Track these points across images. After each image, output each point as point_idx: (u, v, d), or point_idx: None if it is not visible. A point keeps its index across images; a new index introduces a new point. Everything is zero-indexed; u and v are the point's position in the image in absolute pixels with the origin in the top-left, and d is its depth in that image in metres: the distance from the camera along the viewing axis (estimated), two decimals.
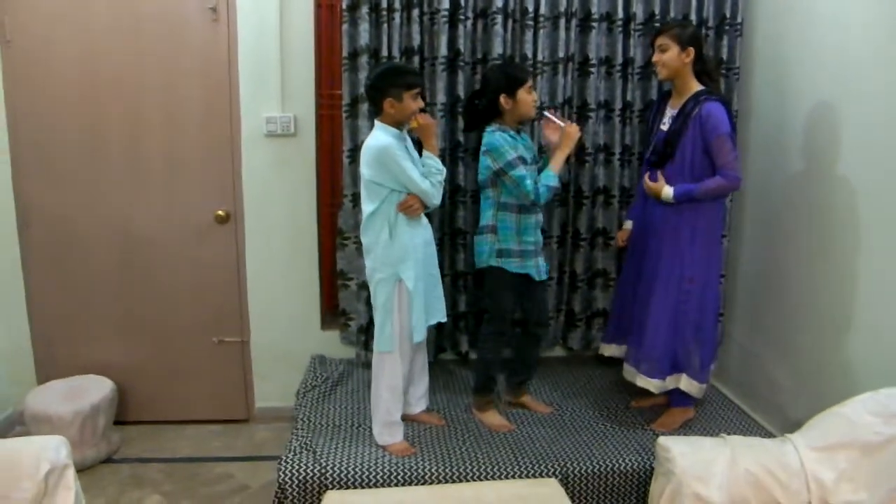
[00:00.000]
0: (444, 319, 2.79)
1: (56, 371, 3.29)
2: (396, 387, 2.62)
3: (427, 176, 2.54)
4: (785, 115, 2.93)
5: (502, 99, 2.66)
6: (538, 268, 2.82)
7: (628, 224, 3.00)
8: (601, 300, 3.37)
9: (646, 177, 2.79)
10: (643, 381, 2.82)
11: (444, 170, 2.62)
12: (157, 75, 3.13)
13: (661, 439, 2.33)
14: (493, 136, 2.67)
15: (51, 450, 2.09)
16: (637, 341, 2.86)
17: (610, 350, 3.08)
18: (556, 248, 3.30)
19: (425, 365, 2.87)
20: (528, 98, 2.68)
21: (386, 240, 2.53)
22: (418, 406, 2.87)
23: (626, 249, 3.06)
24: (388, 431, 2.66)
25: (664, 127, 2.76)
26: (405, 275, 2.54)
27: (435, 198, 2.56)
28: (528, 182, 2.63)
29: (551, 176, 2.68)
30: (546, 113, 2.79)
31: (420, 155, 2.61)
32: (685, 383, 2.83)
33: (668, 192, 2.69)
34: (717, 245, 2.81)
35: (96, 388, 3.15)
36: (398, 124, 2.53)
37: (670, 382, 2.83)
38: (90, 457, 3.03)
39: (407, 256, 2.55)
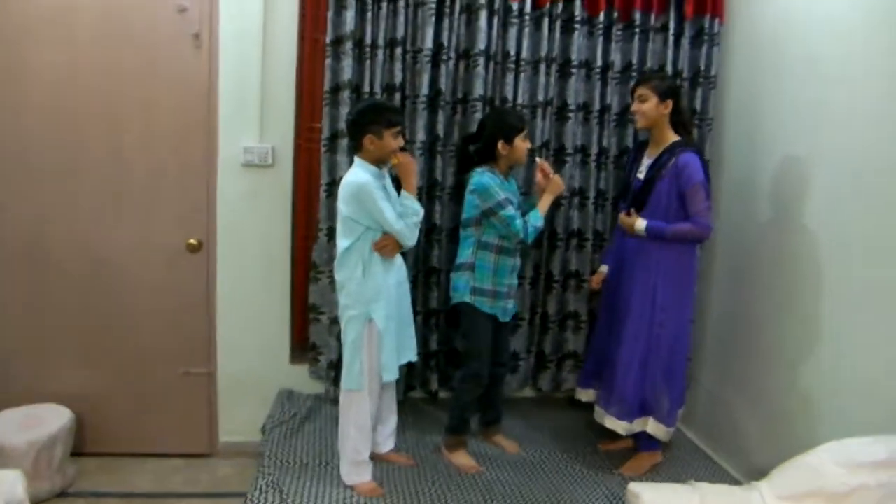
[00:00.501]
0: (414, 359, 2.78)
1: (11, 399, 3.15)
2: (364, 426, 2.59)
3: (403, 216, 2.52)
4: (756, 165, 3.02)
5: (500, 145, 2.72)
6: (505, 310, 2.88)
7: (603, 268, 3.04)
8: (572, 342, 3.39)
9: (622, 213, 2.86)
10: (611, 423, 2.85)
11: (422, 210, 2.60)
12: (137, 100, 3.09)
13: (632, 486, 2.33)
14: (483, 176, 2.72)
15: (6, 484, 2.03)
16: (608, 383, 2.88)
17: (586, 395, 3.09)
18: (528, 289, 3.32)
19: (394, 404, 2.85)
20: (522, 145, 2.76)
21: (359, 277, 2.52)
22: (386, 445, 2.84)
23: (599, 293, 3.10)
24: (355, 471, 2.61)
25: (641, 175, 2.82)
26: (376, 314, 2.53)
27: (409, 239, 2.54)
28: (518, 222, 2.69)
29: (539, 217, 2.75)
30: (538, 159, 2.92)
31: (399, 194, 2.62)
32: (652, 426, 2.85)
33: (640, 224, 2.75)
34: (689, 289, 2.85)
35: (54, 418, 3.04)
36: (377, 161, 2.54)
37: (637, 425, 2.85)
38: (44, 490, 2.92)
39: (379, 296, 2.53)
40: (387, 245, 2.52)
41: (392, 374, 2.60)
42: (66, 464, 3.07)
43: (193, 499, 3.04)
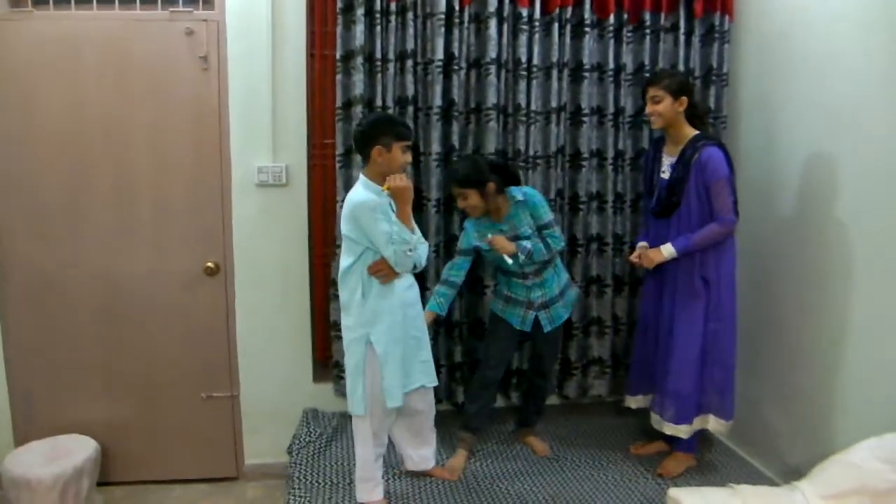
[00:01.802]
0: (429, 384, 2.61)
1: (36, 431, 3.14)
2: (369, 445, 2.53)
3: (394, 243, 2.37)
4: (773, 161, 3.00)
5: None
6: (524, 319, 2.86)
7: (641, 243, 2.89)
8: (597, 348, 3.35)
9: (634, 257, 2.84)
10: (671, 430, 2.81)
11: (413, 239, 2.42)
12: (146, 124, 3.07)
13: (672, 491, 2.31)
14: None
15: None
16: (664, 389, 2.84)
17: (636, 402, 3.05)
18: None
19: (428, 426, 2.75)
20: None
21: (359, 299, 2.44)
22: (431, 461, 2.80)
23: (637, 299, 3.09)
24: (363, 488, 2.57)
25: (665, 175, 2.78)
26: (374, 338, 2.44)
27: (399, 266, 2.40)
28: (448, 264, 2.92)
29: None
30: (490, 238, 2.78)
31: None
32: (713, 423, 2.82)
33: (669, 249, 2.72)
34: (734, 279, 2.78)
35: (79, 449, 3.02)
36: (383, 177, 2.43)
37: (698, 423, 2.82)
38: None
39: (378, 319, 2.44)
40: (382, 269, 2.42)
41: (395, 401, 2.48)
42: (94, 494, 3.04)
43: None
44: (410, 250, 2.40)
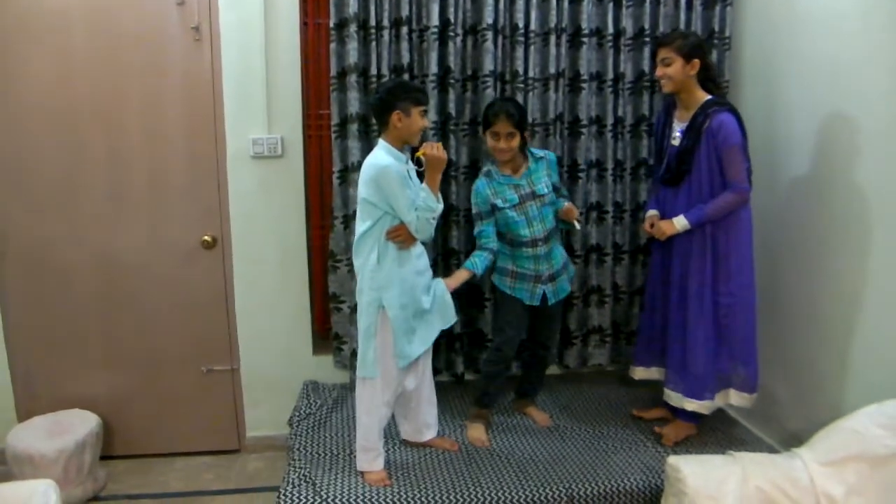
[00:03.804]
0: (444, 326, 2.67)
1: (38, 406, 3.15)
2: (376, 413, 2.54)
3: (418, 209, 2.41)
4: (776, 126, 2.95)
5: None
6: (532, 293, 2.81)
7: (651, 212, 2.85)
8: (596, 317, 3.34)
9: (647, 226, 2.79)
10: (692, 405, 2.76)
11: (439, 208, 2.46)
12: (139, 97, 3.04)
13: (671, 459, 2.30)
14: (476, 181, 2.80)
15: (39, 495, 2.01)
16: (679, 364, 2.79)
17: (641, 374, 3.02)
18: None
19: (430, 394, 2.77)
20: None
21: (374, 263, 2.45)
22: (427, 434, 2.81)
23: (643, 268, 3.03)
24: (364, 457, 2.58)
25: (675, 142, 2.71)
26: (388, 302, 2.46)
27: (421, 233, 2.43)
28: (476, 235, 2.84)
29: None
30: (567, 205, 2.80)
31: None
32: (735, 397, 2.78)
33: (682, 221, 2.65)
34: (749, 251, 2.70)
35: (81, 424, 3.03)
36: (402, 142, 2.46)
37: (720, 399, 2.78)
38: (76, 496, 2.91)
39: (392, 283, 2.45)
40: (400, 234, 2.43)
41: (405, 360, 2.52)
42: (96, 468, 3.06)
43: (226, 495, 3.04)
44: (434, 218, 2.43)
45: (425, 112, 2.47)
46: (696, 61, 2.59)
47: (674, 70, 2.60)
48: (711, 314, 2.69)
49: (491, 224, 2.77)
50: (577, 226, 2.81)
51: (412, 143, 2.50)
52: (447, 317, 2.66)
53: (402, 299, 2.47)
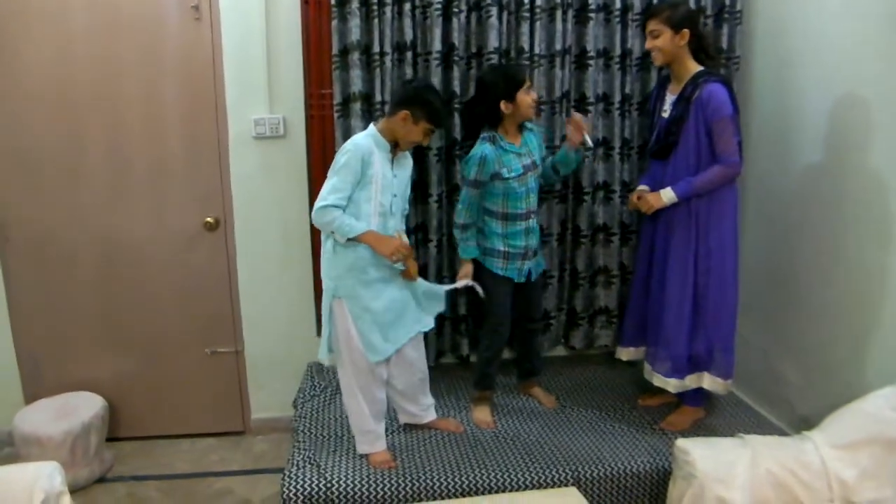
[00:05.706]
0: (424, 328, 2.63)
1: (44, 389, 3.17)
2: (353, 397, 2.52)
3: (335, 223, 2.29)
4: (788, 104, 2.87)
5: (502, 105, 2.60)
6: (521, 270, 2.79)
7: (642, 186, 2.78)
8: (603, 297, 3.29)
9: (634, 198, 2.73)
10: (661, 381, 2.75)
11: (343, 238, 2.33)
12: (139, 78, 3.00)
13: (680, 441, 2.28)
14: (482, 146, 2.64)
15: (44, 477, 2.01)
16: (655, 340, 2.77)
17: (627, 354, 2.99)
18: (556, 246, 3.22)
19: (422, 379, 2.71)
20: (527, 99, 2.62)
21: (329, 250, 2.41)
22: (426, 417, 2.78)
23: (636, 248, 2.95)
24: (363, 440, 2.57)
25: (665, 114, 2.66)
26: (342, 292, 2.41)
27: (315, 220, 2.33)
28: (460, 207, 2.70)
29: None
30: (573, 113, 2.83)
31: (410, 180, 2.59)
32: (708, 381, 2.73)
33: (669, 194, 2.60)
34: (732, 232, 2.66)
35: (87, 406, 3.04)
36: (393, 139, 2.42)
37: (691, 381, 2.73)
38: (83, 477, 2.93)
39: (347, 273, 2.39)
40: (401, 256, 2.40)
41: (376, 355, 2.46)
42: (103, 450, 3.07)
43: (232, 476, 3.05)
44: (333, 232, 2.34)
45: (432, 132, 2.45)
46: (686, 31, 2.53)
47: (663, 41, 2.54)
48: (691, 293, 2.65)
49: (477, 197, 2.70)
50: (590, 141, 2.73)
51: (402, 147, 2.47)
52: (428, 313, 2.64)
53: (367, 290, 2.42)
